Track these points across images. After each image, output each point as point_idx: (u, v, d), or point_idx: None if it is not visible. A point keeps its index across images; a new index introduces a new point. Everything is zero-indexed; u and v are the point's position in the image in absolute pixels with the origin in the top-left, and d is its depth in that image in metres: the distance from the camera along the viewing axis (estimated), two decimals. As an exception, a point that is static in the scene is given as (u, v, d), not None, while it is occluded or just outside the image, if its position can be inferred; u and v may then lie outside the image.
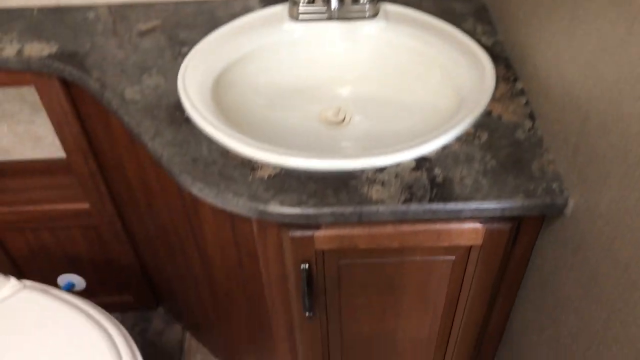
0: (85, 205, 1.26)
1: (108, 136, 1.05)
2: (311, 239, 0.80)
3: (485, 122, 0.84)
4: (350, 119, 1.01)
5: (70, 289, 1.47)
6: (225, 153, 0.81)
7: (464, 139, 0.82)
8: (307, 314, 0.92)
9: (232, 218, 0.87)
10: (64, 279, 1.46)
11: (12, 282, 1.10)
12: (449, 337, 1.02)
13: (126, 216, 1.28)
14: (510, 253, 0.86)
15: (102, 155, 1.14)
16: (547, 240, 0.81)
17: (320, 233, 0.79)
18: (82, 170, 1.17)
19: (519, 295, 0.95)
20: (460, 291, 0.92)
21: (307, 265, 0.83)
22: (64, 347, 1.00)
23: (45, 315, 1.04)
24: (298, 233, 0.80)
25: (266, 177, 0.77)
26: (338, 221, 0.75)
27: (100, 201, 1.24)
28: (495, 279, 0.88)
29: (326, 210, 0.74)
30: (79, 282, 1.47)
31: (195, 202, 0.92)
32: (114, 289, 1.51)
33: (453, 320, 0.98)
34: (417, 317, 0.97)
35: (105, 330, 1.03)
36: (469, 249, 0.83)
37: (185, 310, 1.44)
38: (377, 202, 0.74)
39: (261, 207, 0.74)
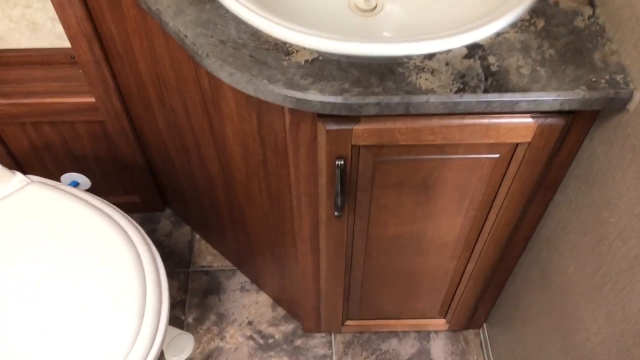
0: (90, 99, 1.18)
1: (117, 19, 0.96)
2: (349, 133, 0.74)
3: (541, 8, 0.76)
4: (382, 6, 0.92)
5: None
6: (256, 34, 0.73)
7: (519, 26, 0.74)
8: (335, 213, 0.88)
9: (259, 110, 0.81)
10: (67, 177, 1.41)
11: (19, 176, 1.04)
12: (477, 240, 0.99)
13: (134, 112, 1.21)
14: (557, 152, 0.81)
15: (109, 42, 1.04)
16: (600, 138, 0.76)
17: (359, 127, 0.73)
18: (87, 58, 1.08)
19: (554, 199, 0.91)
20: (497, 193, 0.87)
21: (342, 162, 0.78)
22: (79, 244, 0.96)
23: (57, 211, 0.99)
24: (335, 126, 0.73)
25: (303, 62, 0.70)
26: (383, 112, 0.68)
27: (106, 94, 1.16)
28: (537, 180, 0.84)
29: (371, 99, 0.67)
30: (84, 181, 1.42)
31: (217, 92, 0.85)
32: (119, 189, 1.46)
33: (484, 222, 0.95)
34: (448, 219, 0.93)
35: (120, 227, 0.99)
36: (515, 146, 0.78)
37: (196, 212, 1.40)
38: (426, 92, 0.67)
39: (299, 95, 0.68)
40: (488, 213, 0.92)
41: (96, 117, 1.23)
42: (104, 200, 1.05)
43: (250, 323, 1.37)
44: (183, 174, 1.26)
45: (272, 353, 1.32)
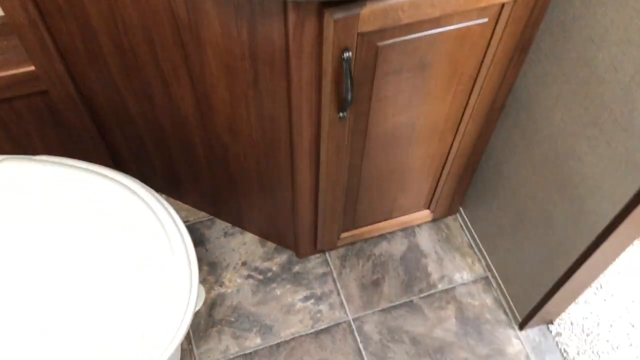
0: (28, 68, 1.09)
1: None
2: (356, 19, 0.75)
3: None
4: None
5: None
6: None
7: None
8: (339, 115, 0.90)
9: (252, 21, 0.79)
10: (11, 165, 1.30)
11: (-16, 159, 0.95)
12: (462, 118, 1.05)
13: (80, 72, 1.12)
14: (533, 9, 0.87)
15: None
16: (574, -16, 0.83)
17: (366, 10, 0.74)
18: (21, 20, 0.99)
19: (528, 58, 0.98)
20: (482, 62, 0.92)
21: (349, 54, 0.78)
22: (82, 205, 0.91)
23: (49, 181, 0.93)
24: (342, 14, 0.74)
25: (303, -47, 0.69)
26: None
27: (47, 58, 1.07)
28: (518, 41, 0.89)
29: (382, -25, 0.68)
30: (31, 164, 1.31)
31: (196, 15, 0.82)
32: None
33: (469, 98, 1.00)
34: (440, 100, 0.97)
35: (125, 186, 0.94)
36: (502, 7, 0.83)
37: (161, 170, 1.35)
38: (431, -41, 0.69)
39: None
40: (473, 86, 0.97)
41: (37, 88, 1.13)
42: (78, 160, 0.99)
43: (244, 263, 1.37)
44: (145, 129, 1.20)
45: (274, 285, 1.33)
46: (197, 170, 1.26)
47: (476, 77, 0.96)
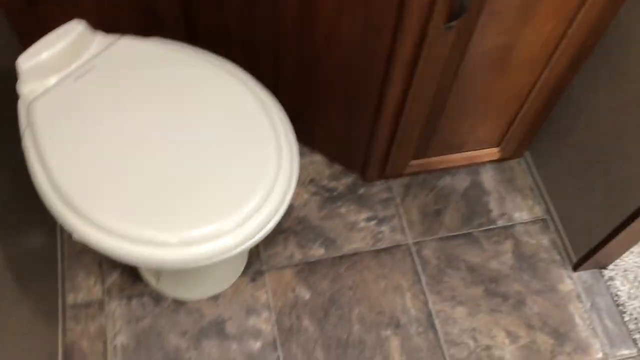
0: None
1: None
2: None
3: None
4: None
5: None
6: None
7: None
8: (448, 25, 0.93)
9: None
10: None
11: (102, 34, 1.00)
12: (555, 50, 1.08)
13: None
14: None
15: None
16: None
17: None
18: None
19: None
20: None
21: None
22: (197, 86, 0.96)
23: (162, 58, 0.98)
24: None
25: None
26: None
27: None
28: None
29: None
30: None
31: None
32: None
33: (566, 30, 1.02)
34: (541, 24, 1.00)
35: (231, 72, 0.99)
36: None
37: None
38: None
39: None
40: (574, 17, 1.00)
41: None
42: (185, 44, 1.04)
43: (312, 180, 1.42)
44: (237, 34, 1.24)
45: (339, 203, 1.39)
46: (281, 84, 1.30)
47: (579, 8, 0.98)
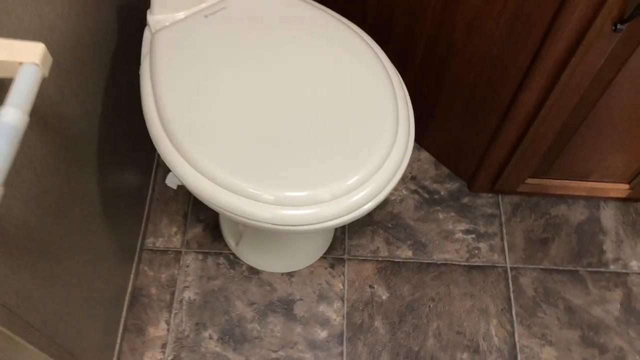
0: None
1: None
2: None
3: None
4: None
5: None
6: None
7: None
8: (616, 27, 0.81)
9: None
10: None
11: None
12: None
13: None
14: None
15: None
16: None
17: None
18: None
19: None
20: None
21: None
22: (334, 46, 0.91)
23: (301, 14, 0.94)
24: None
25: None
26: None
27: None
28: None
29: None
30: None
31: None
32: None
33: None
34: None
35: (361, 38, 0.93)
36: None
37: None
38: None
39: None
40: None
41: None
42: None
43: (414, 178, 1.33)
44: (374, 11, 1.18)
45: (438, 208, 1.29)
46: (408, 67, 1.22)
47: None
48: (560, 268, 1.23)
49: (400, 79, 0.92)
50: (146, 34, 0.94)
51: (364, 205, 0.81)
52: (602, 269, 1.24)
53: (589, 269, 1.23)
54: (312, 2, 0.97)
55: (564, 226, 1.28)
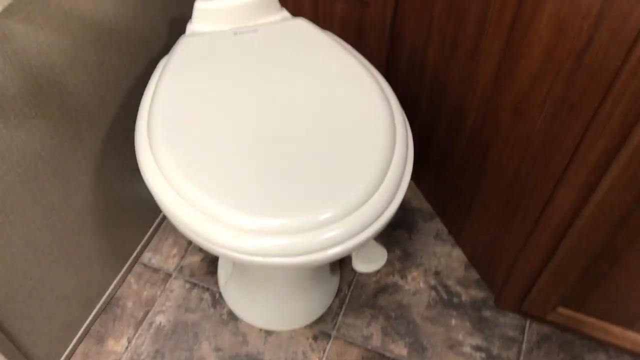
0: (367, -30, 1.09)
1: None
2: None
3: None
4: None
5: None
6: None
7: None
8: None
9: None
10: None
11: (285, 11, 0.97)
12: None
13: (403, 7, 1.09)
14: None
15: None
16: None
17: None
18: None
19: None
20: None
21: None
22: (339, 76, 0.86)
23: (321, 43, 0.90)
24: None
25: None
26: None
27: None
28: None
29: None
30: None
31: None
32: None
33: None
34: None
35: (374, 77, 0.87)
36: None
37: (415, 144, 1.26)
38: None
39: None
40: None
41: (362, -3, 1.13)
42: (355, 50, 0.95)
43: (437, 273, 1.20)
44: (424, 85, 1.12)
45: (454, 312, 1.14)
46: (448, 151, 1.13)
47: None
48: None
49: (407, 123, 0.84)
50: (179, 40, 0.95)
51: (330, 248, 0.71)
52: None
53: None
54: (345, 45, 0.93)
55: (596, 379, 1.07)
